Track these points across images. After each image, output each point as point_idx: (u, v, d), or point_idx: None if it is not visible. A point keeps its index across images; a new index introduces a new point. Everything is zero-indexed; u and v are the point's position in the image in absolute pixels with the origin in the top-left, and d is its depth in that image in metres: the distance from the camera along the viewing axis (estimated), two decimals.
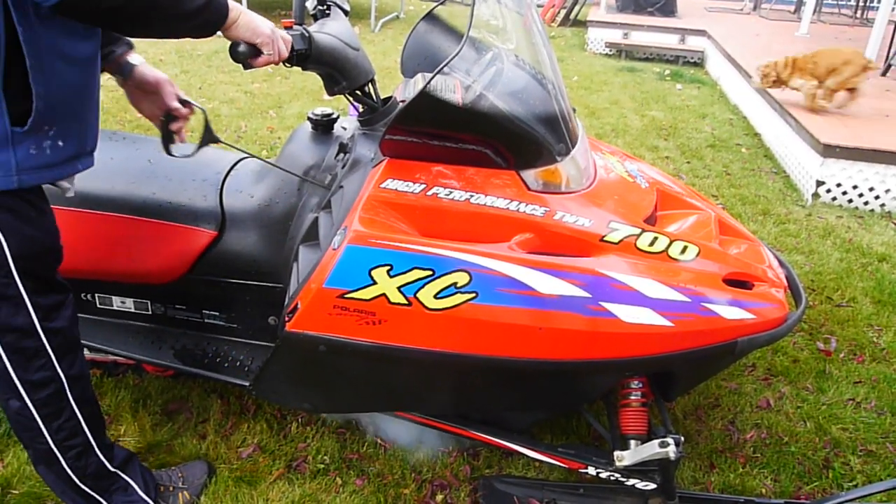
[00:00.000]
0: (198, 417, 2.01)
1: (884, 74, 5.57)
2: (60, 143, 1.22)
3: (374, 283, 1.38)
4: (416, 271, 1.37)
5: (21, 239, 1.23)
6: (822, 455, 1.98)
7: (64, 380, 1.39)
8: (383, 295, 1.38)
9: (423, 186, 1.47)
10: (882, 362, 2.41)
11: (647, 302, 1.43)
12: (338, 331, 1.42)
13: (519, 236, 1.47)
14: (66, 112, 1.21)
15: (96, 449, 1.49)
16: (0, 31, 1.07)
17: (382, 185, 1.46)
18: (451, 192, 1.47)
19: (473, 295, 1.37)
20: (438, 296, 1.37)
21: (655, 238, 1.55)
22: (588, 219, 1.52)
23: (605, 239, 1.51)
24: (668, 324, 1.43)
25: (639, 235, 1.54)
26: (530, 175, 1.53)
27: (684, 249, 1.56)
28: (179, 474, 1.73)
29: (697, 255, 1.56)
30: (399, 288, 1.38)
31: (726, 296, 1.50)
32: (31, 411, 1.37)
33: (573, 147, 1.60)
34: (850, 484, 1.88)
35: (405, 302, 1.38)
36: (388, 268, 1.37)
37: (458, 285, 1.37)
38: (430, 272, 1.37)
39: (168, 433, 1.94)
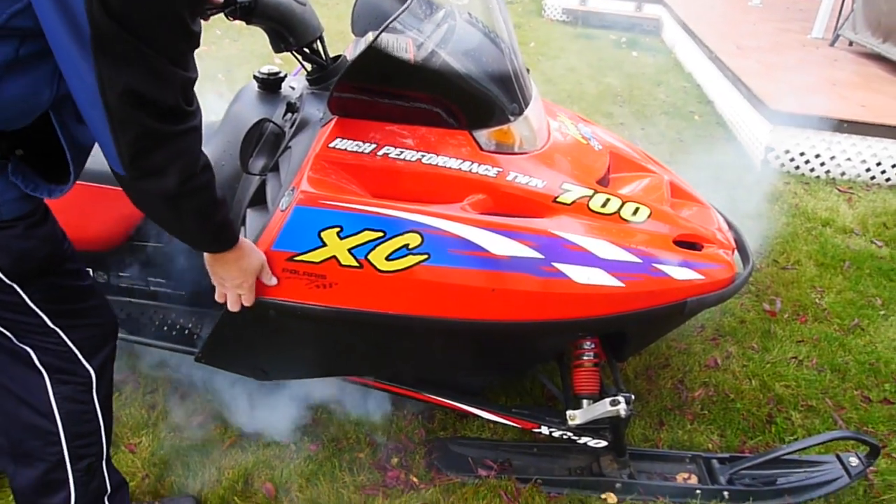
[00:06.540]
0: (146, 388, 1.96)
1: (832, 45, 5.69)
2: None
3: (324, 245, 1.34)
4: (366, 233, 1.35)
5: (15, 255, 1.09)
6: (765, 411, 2.05)
7: (92, 375, 1.23)
8: (333, 257, 1.35)
9: (373, 146, 1.43)
10: (824, 322, 2.50)
11: (598, 263, 1.44)
12: (287, 295, 1.39)
13: (471, 197, 1.45)
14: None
15: (103, 465, 1.32)
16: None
17: (331, 145, 1.42)
18: (402, 152, 1.44)
19: (426, 256, 1.36)
20: (390, 257, 1.35)
21: (608, 199, 1.55)
22: (541, 179, 1.51)
23: (557, 200, 1.50)
24: (620, 284, 1.44)
25: (591, 197, 1.54)
26: (483, 135, 1.50)
27: (636, 211, 1.56)
28: None
29: (649, 216, 1.57)
30: (350, 250, 1.35)
31: (676, 257, 1.52)
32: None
33: (526, 107, 1.58)
34: (791, 438, 1.96)
35: (356, 264, 1.35)
36: (338, 229, 1.34)
37: (410, 247, 1.35)
38: (381, 234, 1.35)
39: (115, 404, 1.87)
